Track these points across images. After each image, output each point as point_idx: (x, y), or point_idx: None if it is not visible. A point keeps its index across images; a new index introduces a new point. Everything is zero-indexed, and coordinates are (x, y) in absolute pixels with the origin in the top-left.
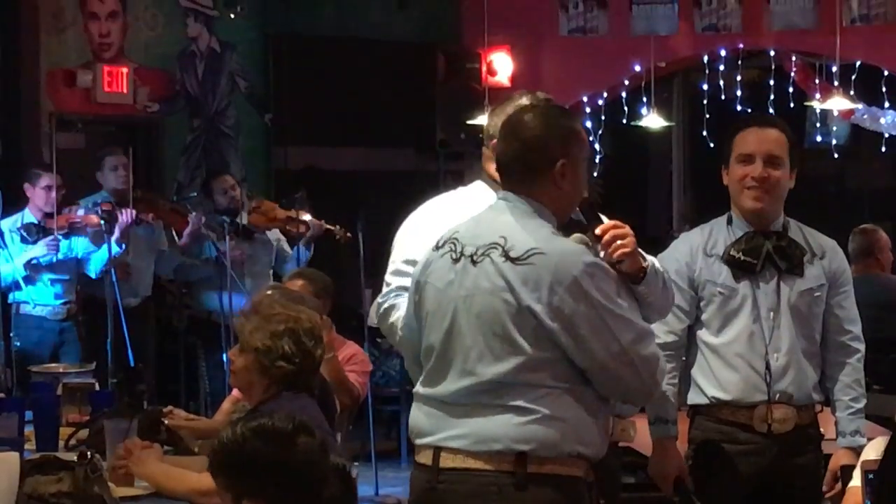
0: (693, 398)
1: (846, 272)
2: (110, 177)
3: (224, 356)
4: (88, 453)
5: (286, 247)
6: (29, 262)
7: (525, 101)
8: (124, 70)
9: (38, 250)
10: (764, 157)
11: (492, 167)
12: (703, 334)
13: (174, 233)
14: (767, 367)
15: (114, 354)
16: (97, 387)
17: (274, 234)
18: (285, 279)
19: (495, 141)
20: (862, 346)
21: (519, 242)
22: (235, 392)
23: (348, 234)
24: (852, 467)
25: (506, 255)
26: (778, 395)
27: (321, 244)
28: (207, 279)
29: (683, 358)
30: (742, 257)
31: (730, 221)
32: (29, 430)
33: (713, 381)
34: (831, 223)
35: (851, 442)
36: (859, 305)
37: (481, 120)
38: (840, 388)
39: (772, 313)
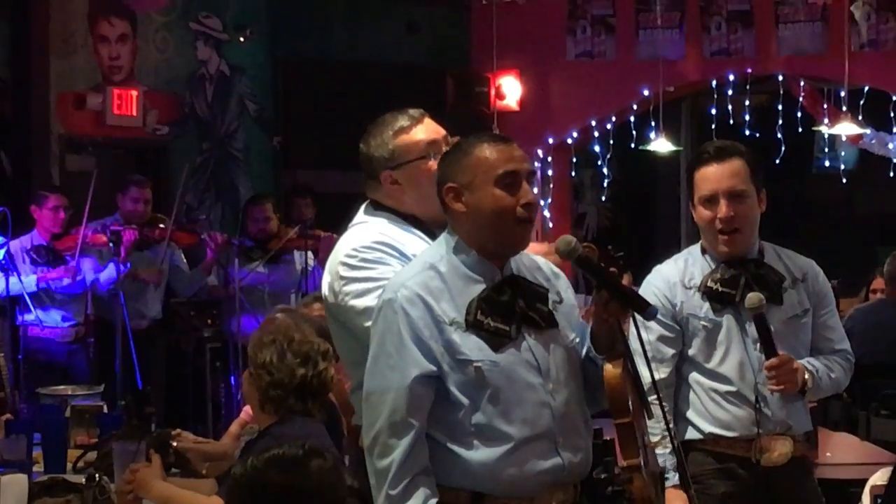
0: (687, 434)
1: (829, 293)
2: (129, 205)
3: (232, 379)
4: (96, 476)
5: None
6: (39, 285)
7: (403, 121)
8: (134, 93)
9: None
10: (726, 194)
11: (387, 194)
12: (692, 370)
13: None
14: (759, 399)
15: (122, 376)
16: (105, 409)
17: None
18: (300, 302)
19: (387, 172)
20: (852, 363)
21: None
22: (243, 415)
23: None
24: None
25: None
26: (777, 427)
27: None
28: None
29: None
30: (720, 288)
31: (703, 251)
32: (37, 452)
33: (707, 417)
34: (839, 248)
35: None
36: (878, 329)
37: None
38: (817, 357)
39: (758, 344)
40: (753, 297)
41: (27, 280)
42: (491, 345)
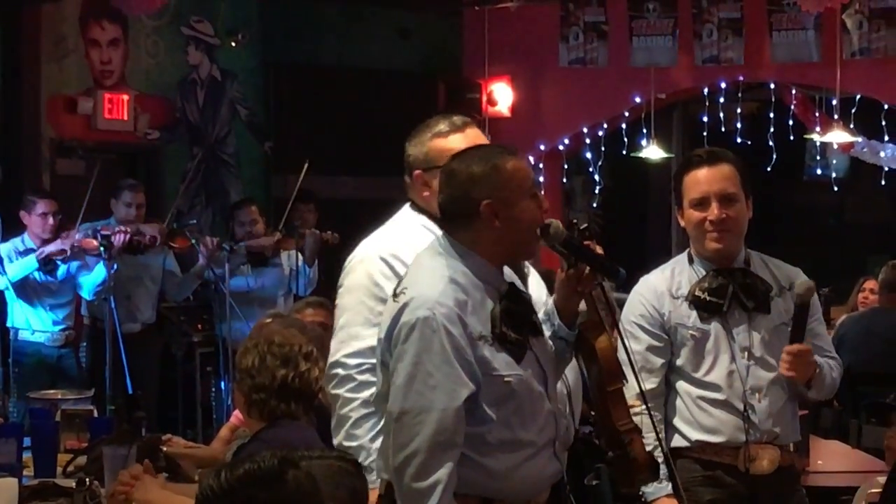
0: (675, 442)
1: (815, 300)
2: (122, 210)
3: (222, 383)
4: (87, 480)
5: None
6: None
7: (443, 126)
8: (125, 97)
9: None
10: (718, 197)
11: (418, 195)
12: (679, 379)
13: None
14: (747, 407)
15: (113, 381)
16: (96, 413)
17: (288, 260)
18: (292, 308)
19: (419, 172)
20: (841, 369)
21: (404, 280)
22: (233, 419)
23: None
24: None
25: (394, 292)
26: (765, 436)
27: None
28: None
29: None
30: (708, 297)
31: (691, 261)
32: (27, 456)
33: (694, 424)
34: (830, 255)
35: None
36: (870, 336)
37: None
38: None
39: (746, 352)
40: (803, 284)
41: (27, 260)
42: (515, 358)
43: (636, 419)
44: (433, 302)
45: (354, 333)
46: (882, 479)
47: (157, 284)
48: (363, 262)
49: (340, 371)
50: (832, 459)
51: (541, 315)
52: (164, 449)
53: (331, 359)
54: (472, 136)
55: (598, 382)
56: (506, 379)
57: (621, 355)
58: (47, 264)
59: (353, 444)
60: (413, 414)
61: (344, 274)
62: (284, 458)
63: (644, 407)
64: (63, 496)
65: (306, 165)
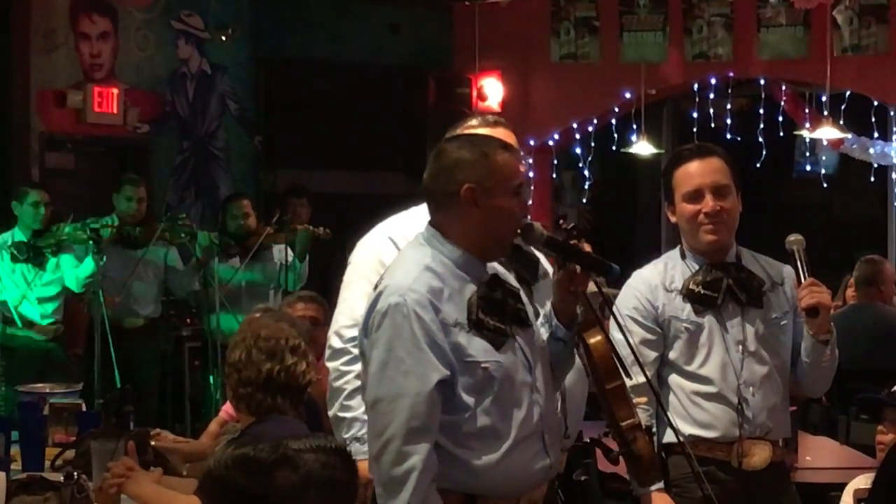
0: (667, 437)
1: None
2: (123, 204)
3: (210, 378)
4: (75, 474)
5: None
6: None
7: (475, 122)
8: (115, 91)
9: None
10: (711, 189)
11: None
12: (672, 372)
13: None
14: (741, 401)
15: (103, 375)
16: (84, 407)
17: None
18: (283, 302)
19: None
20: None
21: (385, 272)
22: (222, 413)
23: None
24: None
25: (375, 285)
26: (758, 430)
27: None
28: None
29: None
30: (702, 291)
31: (683, 256)
32: (15, 449)
33: (688, 419)
34: (818, 252)
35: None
36: (854, 333)
37: None
38: None
39: (740, 346)
40: (794, 237)
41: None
42: (494, 345)
43: (638, 411)
44: (405, 289)
45: (353, 306)
46: (871, 476)
47: (159, 278)
48: (371, 241)
49: (337, 342)
50: (821, 455)
51: (540, 318)
52: (153, 443)
53: (331, 329)
54: (500, 134)
55: (598, 381)
56: (482, 365)
57: (622, 351)
58: (37, 257)
59: (348, 415)
60: (387, 401)
61: (354, 252)
62: (284, 456)
63: (646, 399)
64: (51, 490)
65: (278, 214)
